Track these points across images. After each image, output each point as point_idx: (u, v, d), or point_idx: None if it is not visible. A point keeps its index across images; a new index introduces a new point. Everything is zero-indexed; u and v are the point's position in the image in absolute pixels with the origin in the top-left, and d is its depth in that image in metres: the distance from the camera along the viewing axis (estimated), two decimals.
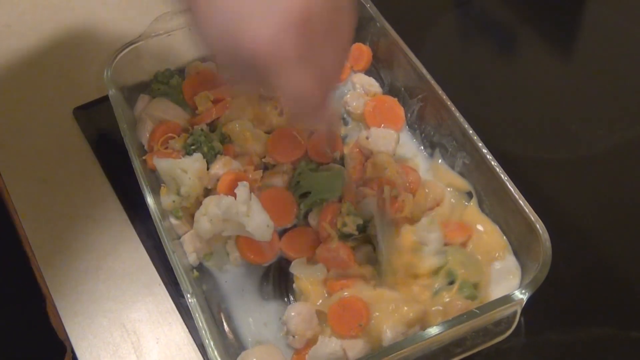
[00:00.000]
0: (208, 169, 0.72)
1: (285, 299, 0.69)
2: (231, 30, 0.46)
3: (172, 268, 0.65)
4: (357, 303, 0.64)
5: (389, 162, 0.73)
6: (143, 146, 0.77)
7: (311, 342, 0.64)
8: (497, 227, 0.71)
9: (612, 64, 0.92)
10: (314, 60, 0.47)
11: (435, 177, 0.76)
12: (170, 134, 0.75)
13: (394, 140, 0.76)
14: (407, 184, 0.72)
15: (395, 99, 0.82)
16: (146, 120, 0.77)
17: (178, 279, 0.64)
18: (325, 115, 0.53)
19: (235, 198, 0.64)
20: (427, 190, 0.73)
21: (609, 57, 0.93)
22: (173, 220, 0.71)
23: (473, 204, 0.73)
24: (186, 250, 0.70)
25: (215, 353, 0.59)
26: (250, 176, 0.72)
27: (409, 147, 0.80)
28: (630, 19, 0.97)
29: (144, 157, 0.73)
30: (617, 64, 0.92)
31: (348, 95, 0.82)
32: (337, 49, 0.50)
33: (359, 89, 0.82)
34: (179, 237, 0.72)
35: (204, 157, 0.71)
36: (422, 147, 0.79)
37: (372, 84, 0.83)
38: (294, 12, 0.44)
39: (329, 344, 0.62)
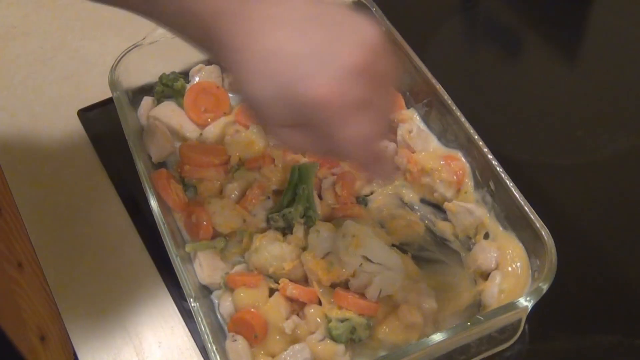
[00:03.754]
0: None
1: None
2: (289, 86, 0.47)
3: (174, 271, 0.64)
4: (245, 316, 0.64)
5: (435, 161, 0.73)
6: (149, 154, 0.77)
7: None
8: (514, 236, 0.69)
9: (617, 69, 0.91)
10: (371, 106, 0.49)
11: None
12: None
13: (432, 140, 0.77)
14: (454, 177, 0.73)
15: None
16: (154, 132, 0.77)
17: (181, 283, 0.63)
18: (385, 159, 0.55)
19: None
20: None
21: (615, 62, 0.92)
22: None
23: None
24: (197, 269, 0.70)
25: (218, 357, 0.59)
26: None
27: None
28: (636, 24, 0.96)
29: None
30: (623, 69, 0.91)
31: None
32: (387, 93, 0.53)
33: None
34: (183, 240, 0.71)
35: None
36: None
37: None
38: (352, 63, 0.47)
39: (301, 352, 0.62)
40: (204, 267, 0.69)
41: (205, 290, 0.69)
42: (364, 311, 0.64)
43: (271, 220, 0.70)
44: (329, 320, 0.64)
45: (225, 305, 0.67)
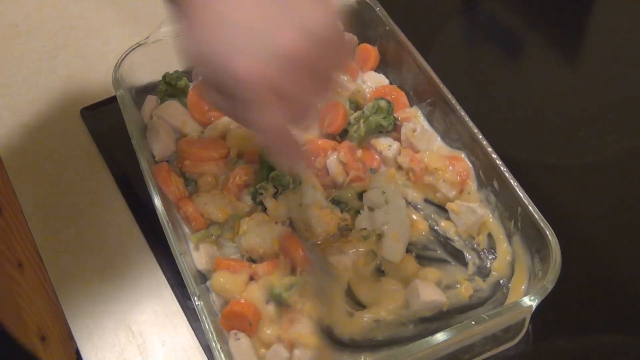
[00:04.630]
0: None
1: None
2: (222, 54, 0.47)
3: (178, 270, 0.64)
4: (235, 308, 0.65)
5: (439, 161, 0.73)
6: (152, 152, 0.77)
7: None
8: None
9: (619, 70, 0.91)
10: (292, 99, 0.48)
11: None
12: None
13: (436, 140, 0.77)
14: (457, 178, 0.73)
15: (394, 86, 0.82)
16: (158, 130, 0.77)
17: (185, 281, 0.63)
18: (293, 152, 0.54)
19: None
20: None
21: (617, 63, 0.92)
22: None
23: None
24: (196, 258, 0.70)
25: (222, 356, 0.59)
26: None
27: None
28: (637, 24, 0.96)
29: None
30: (625, 70, 0.92)
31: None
32: (317, 89, 0.51)
33: (369, 86, 0.82)
34: (186, 239, 0.71)
35: None
36: None
37: (382, 81, 0.83)
38: (284, 50, 0.46)
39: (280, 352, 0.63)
40: (201, 253, 0.70)
41: (202, 277, 0.69)
42: None
43: (251, 197, 0.72)
44: (277, 293, 0.65)
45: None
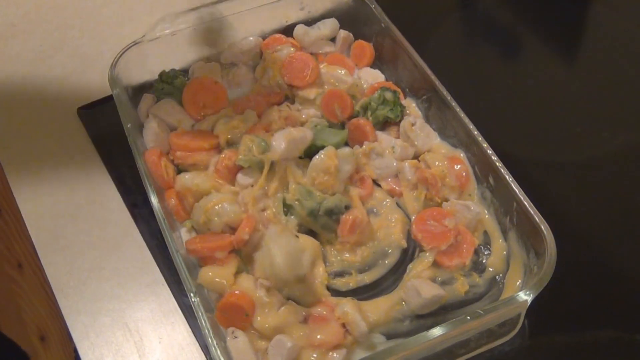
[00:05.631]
0: None
1: None
2: None
3: (175, 267, 0.65)
4: (230, 300, 0.65)
5: (442, 165, 0.73)
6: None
7: None
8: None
9: (616, 67, 0.92)
10: None
11: None
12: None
13: (434, 137, 0.78)
14: (457, 183, 0.73)
15: (390, 82, 0.83)
16: (155, 128, 0.77)
17: (181, 278, 0.64)
18: None
19: None
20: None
21: (613, 60, 0.92)
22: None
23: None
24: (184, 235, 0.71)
25: (218, 353, 0.59)
26: None
27: None
28: (635, 22, 0.96)
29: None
30: (622, 67, 0.92)
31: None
32: None
33: (365, 82, 0.83)
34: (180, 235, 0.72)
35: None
36: None
37: (378, 77, 0.83)
38: None
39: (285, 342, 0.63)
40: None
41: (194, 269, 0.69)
42: None
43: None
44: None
45: None
